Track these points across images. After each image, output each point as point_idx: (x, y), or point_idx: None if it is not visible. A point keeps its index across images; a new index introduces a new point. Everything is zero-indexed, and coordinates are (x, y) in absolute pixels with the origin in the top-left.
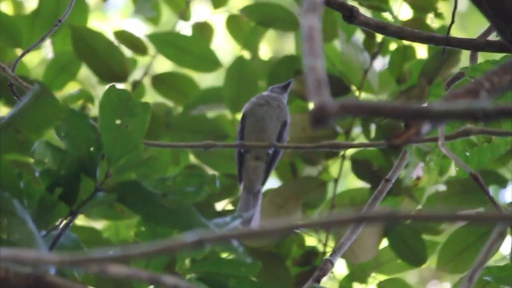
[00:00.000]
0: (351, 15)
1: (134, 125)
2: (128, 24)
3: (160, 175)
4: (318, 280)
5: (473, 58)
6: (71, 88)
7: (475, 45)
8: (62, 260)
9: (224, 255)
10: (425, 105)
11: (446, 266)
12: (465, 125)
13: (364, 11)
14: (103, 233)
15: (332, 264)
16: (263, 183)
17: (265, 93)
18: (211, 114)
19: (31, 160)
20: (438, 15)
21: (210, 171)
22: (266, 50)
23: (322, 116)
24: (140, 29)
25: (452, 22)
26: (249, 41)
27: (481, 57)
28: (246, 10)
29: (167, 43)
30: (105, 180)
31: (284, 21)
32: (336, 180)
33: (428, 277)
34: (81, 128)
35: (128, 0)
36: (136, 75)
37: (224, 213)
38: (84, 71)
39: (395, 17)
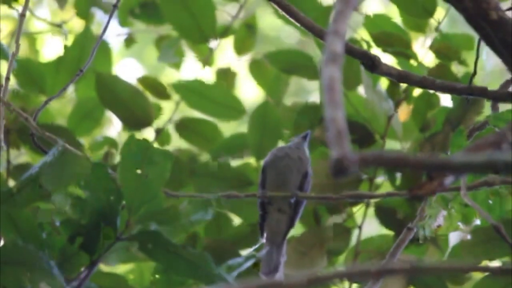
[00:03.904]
0: (372, 65)
1: (154, 173)
2: (124, 65)
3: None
4: None
5: (494, 107)
6: (96, 133)
7: (497, 96)
8: None
9: None
10: (447, 155)
11: None
12: (487, 175)
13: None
14: (127, 277)
15: None
16: (286, 235)
17: (284, 145)
18: (235, 161)
19: (52, 207)
20: (462, 63)
21: (236, 219)
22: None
23: (342, 167)
24: (136, 69)
25: (475, 72)
26: (273, 88)
27: (503, 106)
28: (269, 57)
29: (191, 91)
30: (126, 230)
31: (307, 69)
32: (360, 227)
33: None
34: (101, 178)
35: (122, 42)
36: (160, 120)
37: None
38: (109, 117)
39: (420, 64)
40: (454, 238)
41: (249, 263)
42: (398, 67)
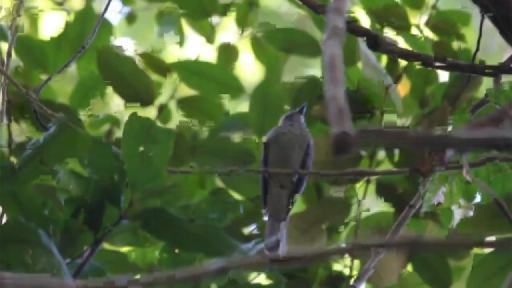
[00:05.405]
0: (375, 43)
1: (157, 152)
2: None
3: (184, 201)
4: None
5: (496, 81)
6: (98, 110)
7: (499, 70)
8: (86, 287)
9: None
10: (448, 131)
11: None
12: (489, 152)
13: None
14: (129, 256)
15: None
16: (288, 210)
17: (281, 123)
18: (237, 139)
19: (55, 183)
20: (460, 38)
21: (236, 195)
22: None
23: (343, 145)
24: (132, 48)
25: (477, 49)
26: (272, 65)
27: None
28: (267, 36)
29: (190, 71)
30: (129, 208)
31: (306, 47)
32: (359, 203)
33: None
34: (104, 157)
35: (121, 20)
36: (162, 97)
37: (251, 237)
38: (111, 94)
39: (425, 38)
40: (457, 215)
41: (259, 247)
42: (402, 43)
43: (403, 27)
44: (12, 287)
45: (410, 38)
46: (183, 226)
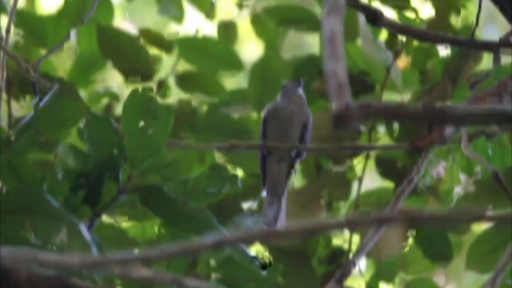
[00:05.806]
0: (375, 18)
1: (157, 127)
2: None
3: (184, 176)
4: (340, 281)
5: (496, 59)
6: (97, 86)
7: (499, 45)
8: (83, 262)
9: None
10: (447, 106)
11: (475, 266)
12: (488, 127)
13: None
14: (128, 231)
15: (354, 265)
16: (287, 185)
17: (279, 98)
18: (236, 115)
19: (53, 158)
20: (463, 6)
21: (237, 170)
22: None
23: (344, 119)
24: (132, 26)
25: (476, 24)
26: (271, 41)
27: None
28: (267, 11)
29: (190, 46)
30: (128, 183)
31: (305, 22)
32: (360, 179)
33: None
34: (103, 131)
35: None
36: (162, 73)
37: (250, 212)
38: (110, 69)
39: (419, 18)
40: (458, 190)
41: (258, 226)
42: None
43: (401, 7)
44: (10, 262)
45: (406, 19)
46: (178, 206)
